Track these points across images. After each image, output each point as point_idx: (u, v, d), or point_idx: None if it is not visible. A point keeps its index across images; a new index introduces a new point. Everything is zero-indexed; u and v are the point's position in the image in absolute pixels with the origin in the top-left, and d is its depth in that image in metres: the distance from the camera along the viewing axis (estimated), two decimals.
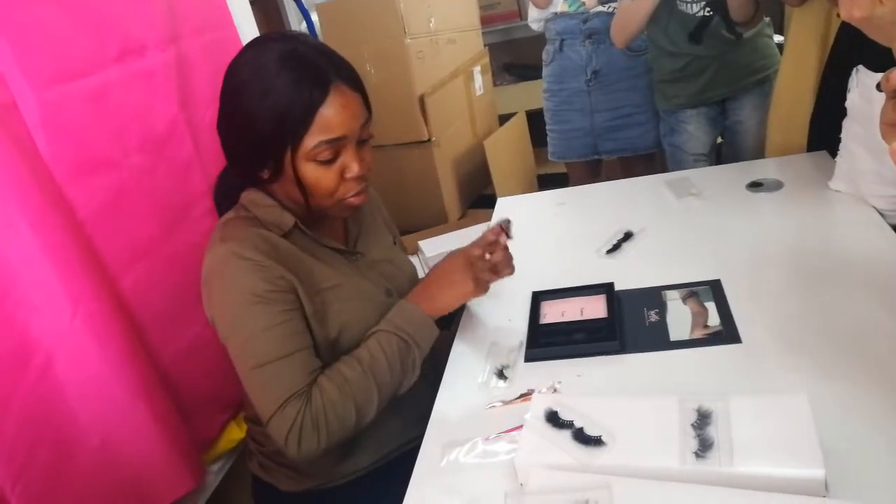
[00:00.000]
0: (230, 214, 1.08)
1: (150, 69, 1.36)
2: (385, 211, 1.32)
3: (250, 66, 0.98)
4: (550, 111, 2.39)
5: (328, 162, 0.99)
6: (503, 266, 1.11)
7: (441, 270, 1.09)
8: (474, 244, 1.10)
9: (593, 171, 2.44)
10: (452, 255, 1.10)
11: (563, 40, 2.23)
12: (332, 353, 1.05)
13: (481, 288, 1.08)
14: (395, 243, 1.29)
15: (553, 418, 0.82)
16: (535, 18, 2.33)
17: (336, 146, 0.99)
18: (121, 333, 1.20)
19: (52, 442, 1.11)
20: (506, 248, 1.12)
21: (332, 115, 0.97)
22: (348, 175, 1.02)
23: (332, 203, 1.04)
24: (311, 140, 0.97)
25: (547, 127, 2.42)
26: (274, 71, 0.96)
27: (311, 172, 0.99)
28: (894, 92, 0.63)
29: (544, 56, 2.35)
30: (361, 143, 1.03)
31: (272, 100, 0.95)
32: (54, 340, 1.12)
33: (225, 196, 1.14)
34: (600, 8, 2.15)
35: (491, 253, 1.10)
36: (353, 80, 1.01)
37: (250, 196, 1.07)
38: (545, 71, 2.36)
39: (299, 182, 1.00)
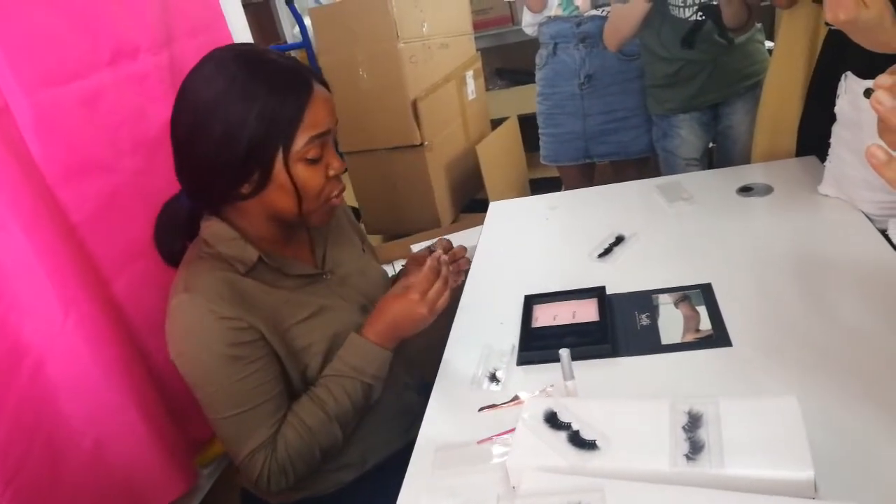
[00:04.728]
0: (191, 253, 1.06)
1: (143, 72, 1.36)
2: (351, 215, 1.31)
3: (220, 78, 0.95)
4: (543, 115, 2.39)
5: (315, 161, 0.99)
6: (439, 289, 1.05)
7: (392, 313, 1.06)
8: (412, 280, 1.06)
9: (586, 175, 2.45)
10: (398, 298, 1.06)
11: (556, 44, 2.24)
12: (309, 385, 1.07)
13: (430, 313, 1.05)
14: (363, 249, 1.28)
15: (552, 419, 0.82)
16: (528, 23, 2.33)
17: (323, 142, 0.99)
18: (113, 336, 1.20)
19: (44, 444, 1.11)
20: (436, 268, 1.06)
21: (318, 110, 0.98)
22: (331, 173, 1.03)
23: (318, 205, 1.03)
24: (302, 137, 0.96)
25: (539, 130, 2.43)
26: (253, 76, 0.95)
27: (302, 173, 0.99)
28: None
29: (537, 60, 2.35)
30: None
31: (260, 103, 0.93)
32: (46, 343, 1.12)
33: (169, 231, 1.10)
34: (594, 12, 2.15)
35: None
36: (323, 80, 1.03)
37: (211, 228, 1.03)
38: (538, 75, 2.37)
39: (294, 185, 0.99)
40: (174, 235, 1.10)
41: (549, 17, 2.24)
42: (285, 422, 1.02)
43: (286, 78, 0.97)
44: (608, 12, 2.12)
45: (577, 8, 2.17)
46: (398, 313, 1.05)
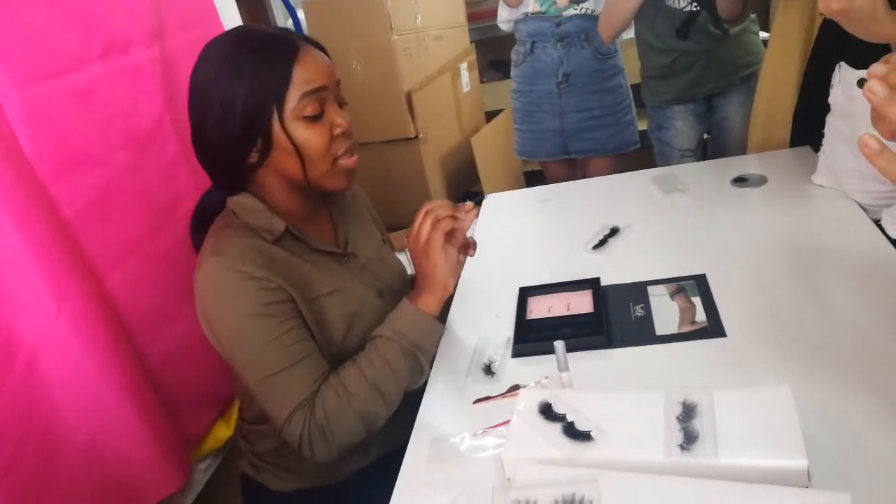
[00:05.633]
0: (219, 223, 1.06)
1: (135, 66, 1.35)
2: (372, 207, 1.32)
3: (215, 56, 0.99)
4: (520, 111, 2.40)
5: (315, 118, 1.00)
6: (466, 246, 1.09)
7: (420, 266, 1.07)
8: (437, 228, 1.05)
9: (568, 169, 2.46)
10: (424, 248, 1.04)
11: (534, 42, 2.24)
12: (336, 358, 1.06)
13: (454, 267, 1.07)
14: (383, 241, 1.28)
15: (546, 410, 0.82)
16: (504, 19, 2.32)
17: (319, 98, 0.99)
18: (106, 332, 1.20)
19: (38, 440, 1.11)
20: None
21: (308, 67, 0.99)
22: (336, 131, 1.02)
23: (326, 167, 1.03)
24: (294, 94, 0.97)
25: (515, 126, 2.44)
26: (241, 50, 0.98)
27: (302, 132, 0.99)
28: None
29: (514, 57, 2.35)
30: (339, 106, 1.05)
31: (248, 72, 0.96)
32: (39, 339, 1.11)
33: (202, 223, 1.10)
34: (572, 11, 2.15)
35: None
36: (318, 44, 1.04)
37: (239, 201, 1.05)
38: (514, 72, 2.37)
39: (294, 146, 0.99)
40: (206, 227, 1.10)
41: (527, 14, 2.23)
42: (325, 383, 1.01)
43: (272, 43, 0.99)
44: (585, 10, 2.13)
45: (554, 4, 2.16)
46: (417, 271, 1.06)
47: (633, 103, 2.32)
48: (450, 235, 1.05)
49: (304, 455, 0.99)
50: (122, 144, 1.30)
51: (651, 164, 2.15)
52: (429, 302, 1.04)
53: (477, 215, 1.08)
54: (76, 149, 1.20)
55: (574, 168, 2.48)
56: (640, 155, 2.36)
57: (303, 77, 0.98)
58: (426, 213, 1.04)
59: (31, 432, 1.10)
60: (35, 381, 1.11)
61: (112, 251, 1.27)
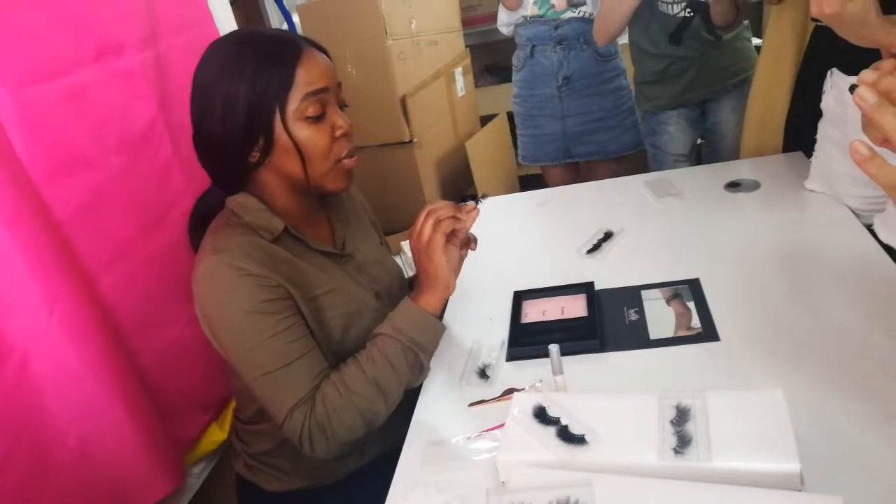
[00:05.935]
0: (218, 222, 1.07)
1: (129, 69, 1.35)
2: (370, 210, 1.33)
3: (218, 56, 1.00)
4: (521, 115, 2.41)
5: (317, 119, 1.01)
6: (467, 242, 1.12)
7: (421, 265, 1.08)
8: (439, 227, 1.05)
9: (571, 175, 2.46)
10: (426, 248, 1.05)
11: (533, 46, 2.25)
12: (335, 357, 1.06)
13: (456, 267, 1.10)
14: (381, 243, 1.29)
15: (541, 414, 0.82)
16: (504, 22, 2.33)
17: (321, 99, 1.01)
18: (98, 334, 1.19)
19: (29, 443, 1.10)
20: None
21: (311, 69, 1.00)
22: (338, 133, 1.03)
23: (328, 167, 1.04)
24: (297, 95, 0.98)
25: (518, 131, 2.45)
26: (245, 50, 0.99)
27: (303, 132, 1.00)
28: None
29: (515, 61, 2.36)
30: (340, 108, 1.06)
31: (251, 72, 0.97)
32: (30, 341, 1.11)
33: (201, 225, 1.11)
34: (571, 14, 2.16)
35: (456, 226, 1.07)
36: (319, 47, 1.05)
37: (238, 200, 1.06)
38: (516, 76, 2.38)
39: (296, 146, 1.00)
40: (205, 227, 1.10)
41: (526, 18, 2.24)
42: (326, 379, 1.01)
43: (275, 44, 1.00)
44: (583, 12, 2.14)
45: (552, 6, 2.17)
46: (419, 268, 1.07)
47: (635, 105, 2.32)
48: (451, 236, 1.06)
49: (304, 451, 1.00)
50: (115, 147, 1.30)
51: (642, 169, 2.16)
52: (430, 301, 1.05)
53: (478, 215, 1.09)
54: (69, 151, 1.20)
55: (576, 174, 2.48)
56: (637, 160, 2.37)
57: (305, 78, 0.99)
58: (428, 214, 1.05)
59: (22, 434, 1.09)
60: (26, 384, 1.10)
61: (104, 253, 1.26)
